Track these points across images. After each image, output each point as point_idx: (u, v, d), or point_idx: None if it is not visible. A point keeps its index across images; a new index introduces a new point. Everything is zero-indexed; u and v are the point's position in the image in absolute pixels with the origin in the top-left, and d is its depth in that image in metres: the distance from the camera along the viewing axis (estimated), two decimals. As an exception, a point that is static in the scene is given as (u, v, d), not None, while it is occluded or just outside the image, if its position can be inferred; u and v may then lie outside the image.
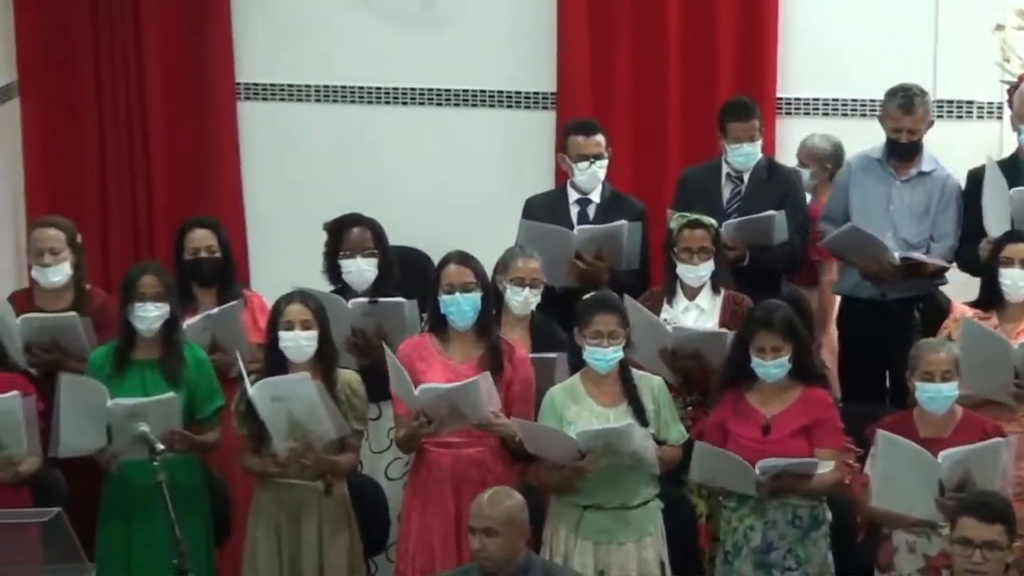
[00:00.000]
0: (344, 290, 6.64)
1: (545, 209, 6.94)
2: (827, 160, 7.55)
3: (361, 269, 6.60)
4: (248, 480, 6.14)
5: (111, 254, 8.35)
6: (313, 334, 5.89)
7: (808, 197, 7.27)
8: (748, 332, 5.84)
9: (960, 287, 6.85)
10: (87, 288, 6.56)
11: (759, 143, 6.95)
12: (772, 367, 5.82)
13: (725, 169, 6.99)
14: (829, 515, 5.91)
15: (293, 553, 5.93)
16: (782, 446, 5.78)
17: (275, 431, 5.83)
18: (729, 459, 5.73)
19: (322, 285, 6.63)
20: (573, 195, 6.98)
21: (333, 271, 6.67)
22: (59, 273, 6.45)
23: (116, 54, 8.20)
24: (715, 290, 6.46)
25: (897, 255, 6.64)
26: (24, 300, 6.56)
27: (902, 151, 6.86)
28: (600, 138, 6.91)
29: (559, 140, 7.38)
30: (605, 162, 6.91)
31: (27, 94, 8.26)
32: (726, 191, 6.97)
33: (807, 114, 7.97)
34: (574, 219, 6.92)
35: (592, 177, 6.91)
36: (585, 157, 6.88)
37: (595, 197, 6.96)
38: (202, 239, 6.59)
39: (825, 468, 5.77)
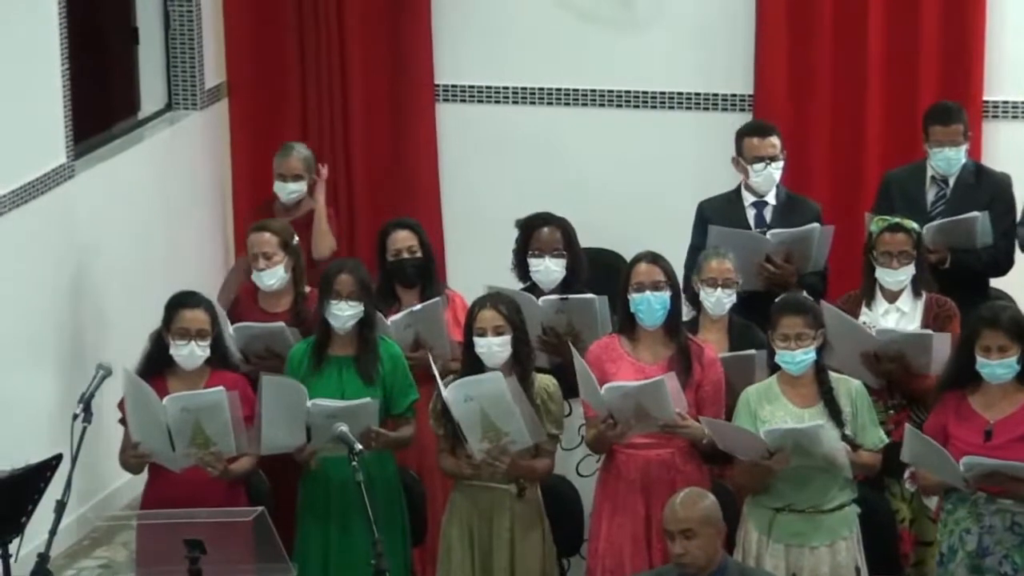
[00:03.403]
0: (533, 287, 6.60)
1: (720, 212, 6.87)
2: None
3: (549, 269, 6.57)
4: (445, 480, 6.13)
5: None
6: (506, 339, 5.86)
7: None
8: (974, 331, 5.66)
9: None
10: (306, 291, 6.56)
11: (963, 148, 6.81)
12: (998, 367, 5.63)
13: (930, 172, 6.86)
14: (1050, 522, 5.72)
15: (485, 554, 5.91)
16: (1005, 452, 5.60)
17: (469, 431, 5.80)
18: (938, 452, 5.57)
19: (511, 282, 6.59)
20: (749, 198, 6.90)
21: (522, 268, 6.65)
22: (273, 277, 6.49)
23: (321, 56, 8.27)
24: (916, 293, 6.32)
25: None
26: (248, 300, 6.60)
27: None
28: (775, 140, 6.84)
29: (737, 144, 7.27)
30: (780, 163, 6.84)
31: (235, 95, 8.37)
32: (930, 194, 6.85)
33: (1015, 118, 7.77)
34: (751, 221, 6.85)
35: (768, 179, 6.81)
36: (760, 159, 6.81)
37: (771, 199, 6.88)
38: (403, 240, 6.59)
39: None
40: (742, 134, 6.91)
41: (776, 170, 6.80)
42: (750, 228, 6.77)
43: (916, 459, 5.69)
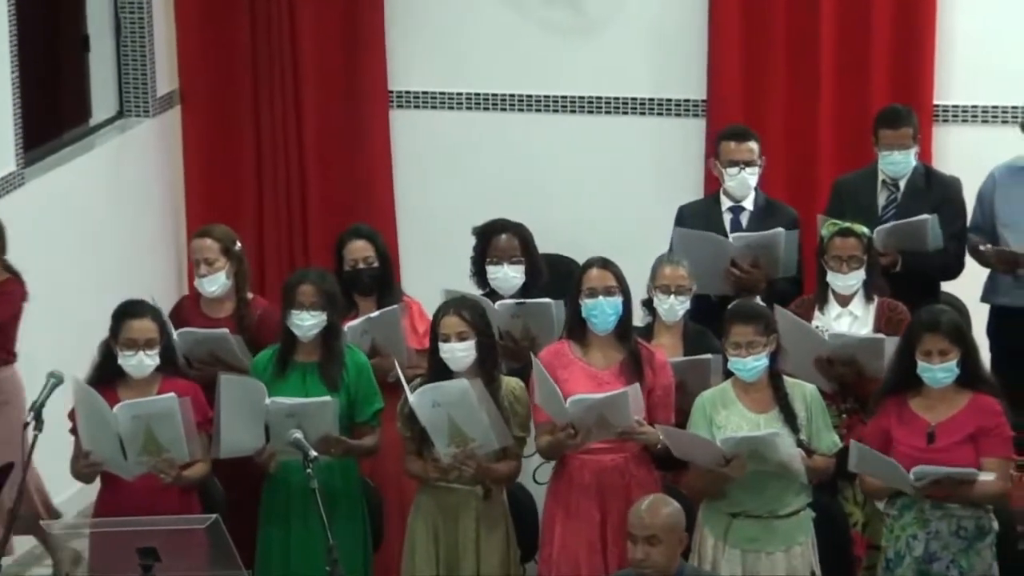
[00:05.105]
0: (492, 294, 6.59)
1: (698, 217, 6.85)
2: None
3: (508, 276, 6.56)
4: (402, 488, 6.11)
5: (267, 260, 8.37)
6: (469, 344, 5.84)
7: None
8: (914, 336, 5.67)
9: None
10: (249, 297, 6.53)
11: (913, 151, 6.81)
12: (940, 371, 5.64)
13: (880, 176, 6.86)
14: (995, 525, 5.71)
15: (450, 553, 5.89)
16: (947, 455, 5.60)
17: (436, 437, 5.78)
18: (886, 463, 5.57)
19: (470, 290, 6.57)
20: (726, 203, 6.88)
21: (480, 276, 6.64)
22: (215, 283, 6.45)
23: (274, 63, 8.24)
24: (868, 297, 6.32)
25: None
26: (191, 307, 6.57)
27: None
28: (752, 145, 6.81)
29: (710, 147, 7.27)
30: (756, 169, 6.82)
31: (188, 103, 8.32)
32: (881, 198, 6.84)
33: (965, 121, 7.79)
34: (727, 227, 6.82)
35: (742, 184, 6.79)
36: (736, 163, 6.79)
37: (748, 204, 6.86)
38: (360, 250, 6.56)
39: (987, 477, 5.58)
40: (720, 137, 6.90)
41: (751, 175, 6.78)
42: (726, 233, 6.75)
43: (863, 469, 5.69)
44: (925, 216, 6.62)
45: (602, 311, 5.82)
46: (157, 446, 5.77)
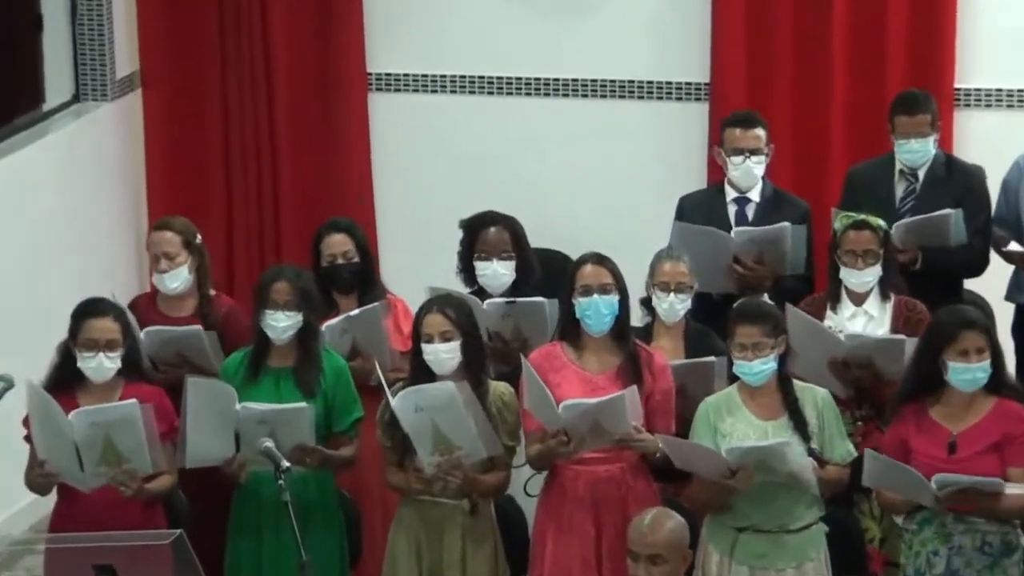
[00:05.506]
0: (480, 292, 6.60)
1: (700, 208, 6.85)
2: None
3: (497, 273, 6.57)
4: (385, 501, 6.11)
5: (235, 255, 8.39)
6: (454, 345, 5.84)
7: None
8: (947, 334, 5.65)
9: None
10: (212, 294, 6.54)
11: (932, 139, 6.83)
12: (979, 371, 5.63)
13: (898, 166, 6.87)
14: (1023, 541, 5.73)
15: (433, 571, 5.89)
16: (970, 465, 5.61)
17: (419, 444, 5.78)
18: (904, 472, 5.58)
19: (456, 287, 6.58)
20: (731, 193, 6.89)
21: (468, 273, 6.65)
22: (176, 279, 6.44)
23: (243, 42, 8.23)
24: (884, 295, 6.33)
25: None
26: (147, 305, 6.56)
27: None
28: (759, 132, 6.82)
29: (714, 134, 7.28)
30: (763, 158, 6.83)
31: (149, 86, 8.31)
32: (899, 189, 6.85)
33: (989, 106, 7.80)
34: (732, 219, 6.83)
35: (747, 173, 6.80)
36: (740, 151, 6.80)
37: (754, 196, 6.87)
38: (338, 244, 6.57)
39: (1016, 489, 5.58)
40: (725, 124, 6.90)
41: (757, 165, 6.79)
42: (730, 226, 6.75)
43: (879, 482, 5.70)
44: (948, 211, 6.63)
45: (597, 311, 5.82)
46: (117, 456, 5.76)
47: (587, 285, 5.83)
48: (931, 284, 6.54)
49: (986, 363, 5.64)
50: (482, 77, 8.20)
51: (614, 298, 5.83)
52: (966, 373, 5.64)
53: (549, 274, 6.75)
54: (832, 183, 7.54)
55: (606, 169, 8.10)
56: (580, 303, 5.83)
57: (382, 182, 8.32)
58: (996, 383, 5.69)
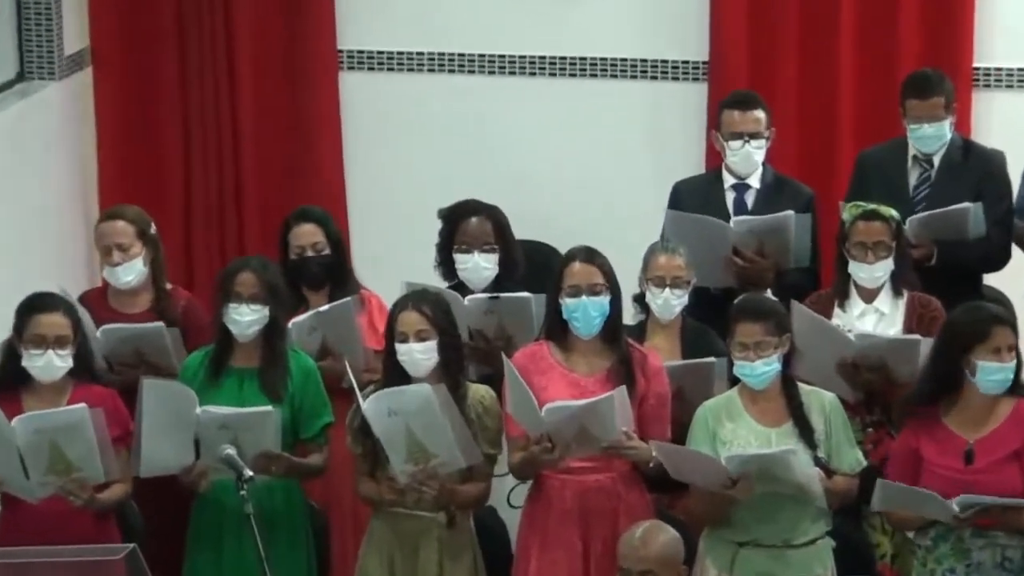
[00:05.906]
0: (460, 286, 6.62)
1: (696, 195, 6.88)
2: None
3: (479, 266, 6.60)
4: (356, 512, 6.12)
5: (194, 249, 8.40)
6: (430, 345, 5.85)
7: None
8: (980, 332, 5.64)
9: None
10: (168, 288, 6.53)
11: (946, 123, 6.86)
12: (1010, 371, 5.64)
13: (911, 151, 6.89)
14: (1046, 556, 5.76)
15: (408, 587, 5.91)
16: (990, 476, 5.62)
17: (392, 451, 5.78)
18: (920, 496, 5.58)
19: (435, 281, 6.59)
20: (729, 180, 6.92)
21: (447, 266, 6.68)
22: (130, 272, 6.46)
23: (203, 17, 8.23)
24: (896, 292, 6.36)
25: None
26: (98, 301, 6.55)
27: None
28: (759, 114, 6.85)
29: (713, 117, 7.30)
30: (763, 143, 6.87)
31: (100, 63, 8.30)
32: (912, 176, 6.88)
33: (1010, 87, 7.84)
34: (730, 207, 6.86)
35: (746, 159, 6.83)
36: (738, 135, 6.83)
37: (754, 182, 6.89)
38: (307, 235, 6.59)
39: None
40: (722, 106, 6.93)
41: (757, 149, 6.83)
42: (729, 214, 6.78)
43: (890, 507, 5.71)
44: (967, 205, 6.66)
45: (585, 313, 5.83)
46: (66, 464, 5.76)
47: (575, 286, 5.84)
48: (948, 279, 6.57)
49: (1014, 363, 5.66)
50: (463, 55, 8.22)
51: (604, 299, 5.84)
52: (998, 373, 5.65)
53: (534, 268, 6.80)
54: (840, 169, 7.60)
55: (596, 155, 8.12)
56: (568, 304, 5.85)
57: (354, 168, 8.32)
58: (1014, 384, 5.71)
